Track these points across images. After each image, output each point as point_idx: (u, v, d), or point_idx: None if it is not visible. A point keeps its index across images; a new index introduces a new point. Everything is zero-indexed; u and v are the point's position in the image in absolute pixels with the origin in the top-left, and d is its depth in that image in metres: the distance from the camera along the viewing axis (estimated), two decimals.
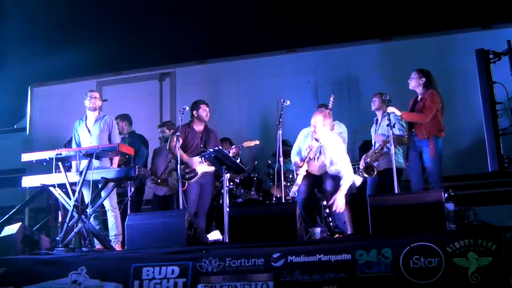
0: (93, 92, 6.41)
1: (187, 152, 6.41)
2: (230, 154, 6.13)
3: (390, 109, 5.78)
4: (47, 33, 8.91)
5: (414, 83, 5.98)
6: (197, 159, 6.38)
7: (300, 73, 8.38)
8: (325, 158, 5.70)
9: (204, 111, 6.55)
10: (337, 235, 5.53)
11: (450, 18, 7.63)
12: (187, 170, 6.34)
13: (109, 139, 6.26)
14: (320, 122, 5.72)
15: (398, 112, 5.78)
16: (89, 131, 6.27)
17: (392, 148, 5.62)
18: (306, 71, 8.41)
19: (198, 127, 6.58)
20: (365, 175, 6.18)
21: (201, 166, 6.38)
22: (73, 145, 6.35)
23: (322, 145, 5.73)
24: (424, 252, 4.03)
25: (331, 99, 6.61)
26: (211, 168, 6.41)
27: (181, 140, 6.24)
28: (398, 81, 7.27)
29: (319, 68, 8.42)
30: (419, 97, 5.95)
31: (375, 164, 6.16)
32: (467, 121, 7.15)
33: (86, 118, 6.38)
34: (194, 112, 6.55)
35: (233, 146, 6.62)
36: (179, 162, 6.05)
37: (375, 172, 6.13)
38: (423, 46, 7.86)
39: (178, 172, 6.06)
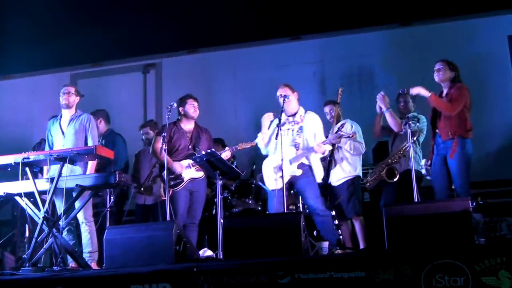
0: (66, 87, 6.40)
1: (172, 155, 6.37)
2: (223, 158, 6.12)
3: (416, 89, 5.74)
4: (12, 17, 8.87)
5: (443, 76, 5.93)
6: (183, 163, 6.36)
7: (304, 63, 8.40)
8: (305, 133, 5.97)
9: (191, 107, 6.52)
10: (331, 251, 5.54)
11: None
12: (171, 176, 6.29)
13: (86, 142, 6.24)
14: (290, 91, 6.12)
15: (426, 93, 5.75)
16: (63, 132, 6.26)
17: (411, 150, 5.63)
18: (311, 61, 8.43)
19: (187, 126, 6.56)
20: (387, 179, 6.21)
21: (188, 172, 6.36)
22: (46, 148, 6.33)
23: (299, 119, 5.99)
24: (448, 270, 4.01)
25: (340, 91, 6.62)
26: (200, 174, 6.40)
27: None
28: (418, 73, 7.28)
29: (326, 58, 8.44)
30: (445, 91, 5.94)
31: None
32: (498, 120, 7.17)
33: (61, 117, 6.37)
34: (180, 108, 6.53)
35: (226, 148, 6.61)
36: (166, 167, 6.03)
37: (397, 176, 6.17)
38: (447, 32, 7.88)
39: (165, 178, 6.04)
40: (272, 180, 6.07)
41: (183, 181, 6.32)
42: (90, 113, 6.97)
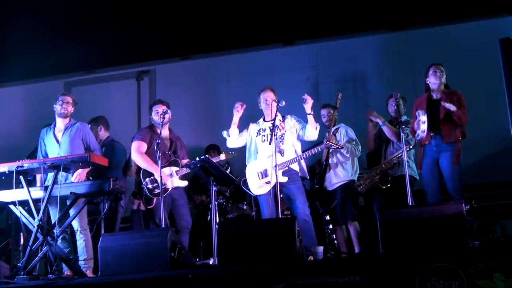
0: (65, 96, 6.36)
1: (154, 161, 6.29)
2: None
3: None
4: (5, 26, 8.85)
5: (442, 79, 5.97)
6: (166, 171, 6.31)
7: (298, 69, 8.40)
8: (289, 139, 6.08)
9: (155, 113, 6.46)
10: (310, 258, 5.52)
11: (471, 2, 7.62)
12: (155, 184, 6.25)
13: (83, 150, 6.19)
14: (274, 98, 6.17)
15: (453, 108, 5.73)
16: (58, 141, 6.23)
17: (405, 154, 5.64)
18: (305, 66, 8.44)
19: (162, 131, 6.38)
20: (380, 185, 6.25)
21: (173, 180, 6.34)
22: (39, 156, 6.28)
23: (280, 126, 6.05)
24: (443, 273, 4.03)
25: (339, 97, 6.60)
26: (184, 183, 6.41)
27: (145, 146, 6.26)
28: (411, 78, 7.30)
29: (320, 63, 8.44)
30: (435, 95, 5.96)
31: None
32: (490, 123, 7.17)
33: (54, 125, 6.34)
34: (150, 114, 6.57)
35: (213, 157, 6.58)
36: (160, 174, 6.01)
37: (389, 183, 6.20)
38: (439, 36, 7.90)
39: (160, 185, 6.01)
40: (257, 185, 6.11)
41: (168, 189, 6.30)
42: (90, 120, 7.04)
